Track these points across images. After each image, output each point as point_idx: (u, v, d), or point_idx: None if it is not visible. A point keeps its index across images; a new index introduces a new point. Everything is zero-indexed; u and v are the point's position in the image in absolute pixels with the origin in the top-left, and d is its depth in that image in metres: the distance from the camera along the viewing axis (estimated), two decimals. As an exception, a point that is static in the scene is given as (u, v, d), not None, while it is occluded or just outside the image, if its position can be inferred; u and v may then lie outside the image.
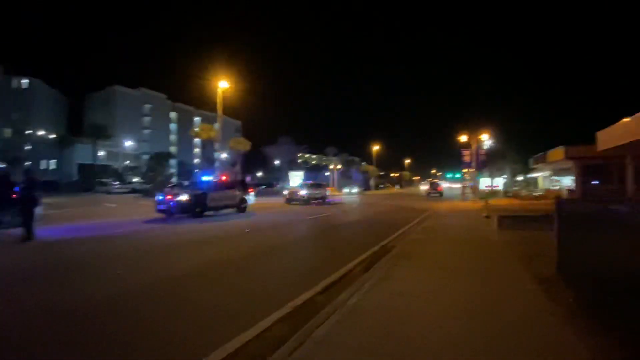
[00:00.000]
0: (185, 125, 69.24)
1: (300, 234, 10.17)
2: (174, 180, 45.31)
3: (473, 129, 28.31)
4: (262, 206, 18.86)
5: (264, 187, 41.01)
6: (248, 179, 32.25)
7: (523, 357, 2.61)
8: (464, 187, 32.33)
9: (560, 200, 4.74)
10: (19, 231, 7.80)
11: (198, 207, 13.09)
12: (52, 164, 51.30)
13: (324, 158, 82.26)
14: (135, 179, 46.17)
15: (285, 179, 44.89)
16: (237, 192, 15.63)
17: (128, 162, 56.41)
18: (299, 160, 70.08)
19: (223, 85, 25.86)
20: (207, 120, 51.70)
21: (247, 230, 10.21)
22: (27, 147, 53.16)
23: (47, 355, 2.79)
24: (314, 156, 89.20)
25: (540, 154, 28.66)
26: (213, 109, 26.95)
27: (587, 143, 17.19)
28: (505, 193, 32.01)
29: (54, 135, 50.49)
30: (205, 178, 16.18)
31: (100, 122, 50.79)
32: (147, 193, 28.31)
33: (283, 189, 30.56)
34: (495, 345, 2.77)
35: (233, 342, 2.92)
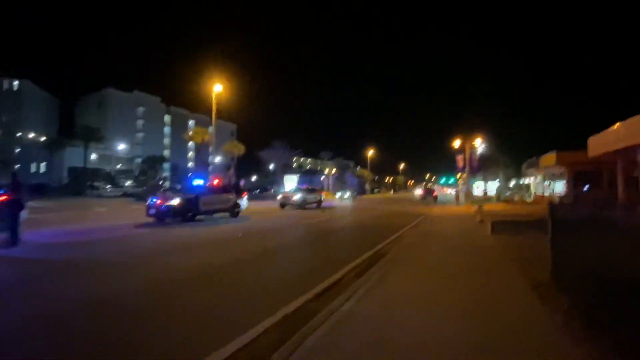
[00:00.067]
0: (179, 128, 68.73)
1: (294, 238, 10.05)
2: (166, 184, 44.89)
3: (467, 134, 28.63)
4: (255, 210, 18.70)
5: (258, 191, 40.81)
6: (242, 183, 32.07)
7: (519, 366, 2.54)
8: (457, 192, 32.54)
9: (553, 205, 4.73)
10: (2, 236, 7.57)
11: (190, 212, 12.90)
12: (42, 167, 50.50)
13: (319, 162, 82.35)
14: (127, 183, 45.65)
15: (280, 183, 44.71)
16: (230, 196, 15.46)
17: (120, 165, 55.78)
18: (294, 165, 70.01)
19: (218, 88, 25.79)
20: (202, 124, 51.44)
21: (239, 235, 10.05)
22: (17, 150, 52.31)
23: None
24: (308, 160, 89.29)
25: (533, 159, 29.00)
26: (208, 112, 26.81)
27: (579, 149, 17.41)
28: (499, 198, 32.26)
29: (44, 138, 49.77)
30: (197, 182, 15.95)
31: (92, 125, 50.17)
32: (139, 197, 27.93)
33: (277, 193, 30.42)
34: (491, 352, 2.71)
35: (219, 353, 2.81)
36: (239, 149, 37.92)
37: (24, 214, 7.78)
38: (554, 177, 27.03)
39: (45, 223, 12.00)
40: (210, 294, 4.49)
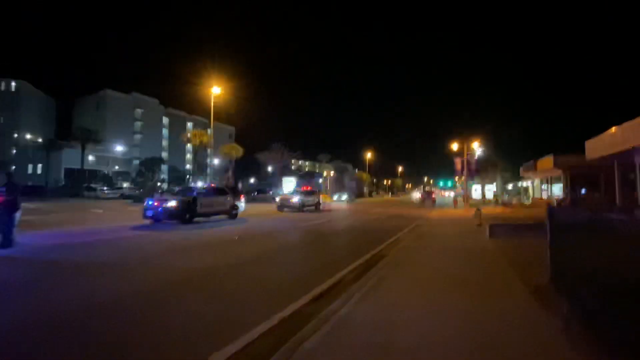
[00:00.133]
0: (177, 130, 68.56)
1: (291, 241, 9.99)
2: (164, 186, 44.69)
3: (465, 137, 28.70)
4: (254, 213, 18.62)
5: (257, 193, 40.67)
6: (240, 185, 31.95)
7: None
8: (456, 195, 32.57)
9: (551, 209, 4.70)
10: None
11: (187, 214, 12.82)
12: (39, 168, 50.22)
13: (317, 165, 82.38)
14: (125, 185, 45.44)
15: (278, 185, 44.60)
16: (228, 199, 15.40)
17: (118, 167, 55.56)
18: (292, 167, 69.93)
19: (216, 91, 25.79)
20: (200, 126, 51.38)
21: (236, 238, 9.99)
22: (13, 151, 52.02)
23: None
24: (307, 163, 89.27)
25: (530, 162, 29.09)
26: (206, 114, 26.80)
27: (577, 152, 17.48)
28: (497, 201, 32.31)
29: (41, 139, 49.53)
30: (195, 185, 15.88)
31: (90, 126, 50.00)
32: (137, 199, 27.79)
33: (276, 195, 30.32)
34: (490, 356, 2.67)
35: (213, 357, 2.75)
36: (237, 151, 37.84)
37: (18, 216, 7.69)
38: (551, 180, 27.12)
39: (40, 225, 11.89)
40: (204, 297, 4.43)
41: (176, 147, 68.80)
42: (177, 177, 52.81)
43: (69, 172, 45.85)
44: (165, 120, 74.19)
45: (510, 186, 41.46)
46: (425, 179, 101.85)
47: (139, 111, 67.98)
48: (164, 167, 56.62)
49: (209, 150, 32.01)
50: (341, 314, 3.59)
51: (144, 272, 5.73)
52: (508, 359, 2.65)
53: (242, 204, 16.38)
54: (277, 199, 23.19)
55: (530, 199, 31.45)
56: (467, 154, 27.83)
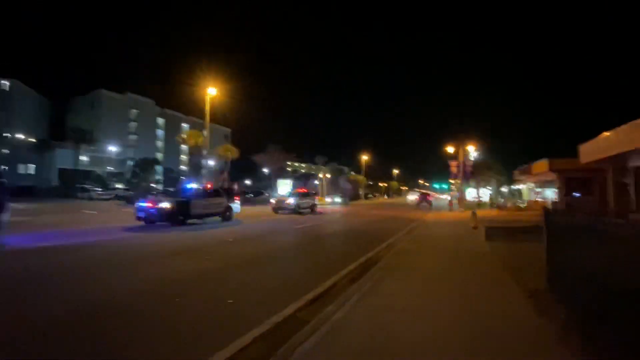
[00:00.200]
0: (172, 131, 68.15)
1: (286, 244, 9.88)
2: (159, 187, 44.31)
3: (460, 141, 28.84)
4: (249, 214, 18.47)
5: (252, 195, 40.44)
6: (235, 187, 31.75)
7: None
8: (451, 198, 32.68)
9: (548, 212, 4.67)
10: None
11: (180, 215, 12.66)
12: (31, 168, 49.52)
13: (313, 167, 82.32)
14: (119, 186, 44.93)
15: (274, 187, 44.44)
16: (223, 200, 15.25)
17: (112, 168, 55.01)
18: (288, 169, 69.79)
19: (211, 91, 25.62)
20: (196, 127, 51.05)
21: (230, 240, 9.85)
22: (5, 151, 51.23)
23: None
24: (303, 165, 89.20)
25: (525, 165, 29.28)
26: (202, 115, 26.59)
27: (571, 156, 17.59)
28: (491, 204, 32.46)
29: (34, 139, 48.89)
30: (189, 185, 15.72)
31: (84, 126, 49.48)
32: (131, 200, 27.46)
33: (272, 197, 30.16)
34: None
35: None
36: (233, 153, 37.62)
37: (5, 217, 7.50)
38: (545, 184, 27.31)
39: (29, 226, 11.66)
40: (195, 301, 4.32)
41: (171, 148, 68.33)
42: (172, 178, 52.42)
43: (62, 173, 45.20)
44: (160, 121, 73.67)
45: (505, 189, 41.71)
46: (421, 181, 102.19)
47: (134, 111, 67.43)
48: (159, 168, 56.18)
49: (204, 152, 31.75)
50: (335, 318, 3.51)
51: (134, 275, 5.59)
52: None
53: (236, 205, 16.24)
54: (273, 201, 23.06)
55: (526, 202, 31.63)
56: (463, 157, 27.95)
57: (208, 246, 8.72)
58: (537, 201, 28.35)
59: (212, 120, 25.81)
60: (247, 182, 54.63)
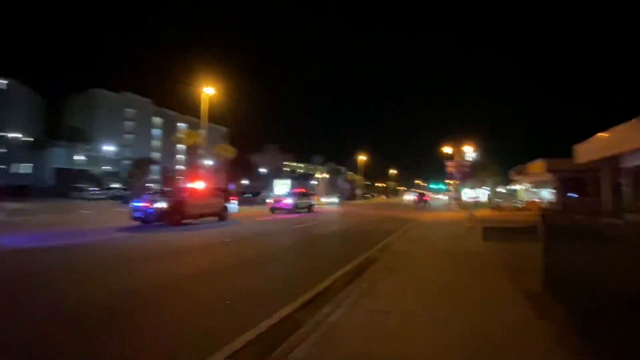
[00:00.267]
0: (169, 130, 67.82)
1: (282, 244, 9.82)
2: (156, 186, 44.01)
3: (457, 141, 28.91)
4: (245, 215, 18.39)
5: (250, 195, 40.32)
6: (232, 186, 31.65)
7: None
8: (448, 198, 32.75)
9: (545, 213, 4.65)
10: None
11: (176, 215, 12.56)
12: (27, 167, 49.08)
13: (311, 167, 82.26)
14: (115, 185, 44.64)
15: (271, 187, 44.35)
16: (219, 200, 15.16)
17: (108, 167, 54.64)
18: (286, 169, 69.70)
19: (209, 91, 25.50)
20: (193, 127, 50.81)
21: (226, 240, 9.78)
22: (1, 150, 50.74)
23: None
24: (301, 165, 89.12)
25: (521, 166, 29.38)
26: (199, 115, 26.45)
27: (567, 156, 17.64)
28: (488, 204, 32.57)
29: (29, 138, 48.46)
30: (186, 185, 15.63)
31: (80, 125, 49.17)
32: (126, 199, 27.28)
33: (269, 197, 30.09)
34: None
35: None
36: (230, 152, 37.57)
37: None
38: (541, 184, 27.41)
39: (23, 226, 11.53)
40: (186, 304, 4.25)
41: (168, 147, 67.94)
42: (169, 177, 52.12)
43: (58, 172, 44.85)
44: (157, 120, 73.27)
45: (501, 189, 41.86)
46: (419, 181, 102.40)
47: (130, 111, 67.00)
48: (155, 168, 55.86)
49: (201, 151, 31.62)
50: (331, 320, 3.46)
51: (127, 277, 5.51)
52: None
53: (233, 205, 16.16)
54: (270, 201, 22.99)
55: (524, 202, 31.74)
56: (460, 158, 28.01)
57: (203, 247, 8.65)
58: (533, 201, 28.47)
59: (210, 119, 25.67)
60: (245, 181, 54.42)
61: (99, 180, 46.18)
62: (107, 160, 56.51)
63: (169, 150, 69.17)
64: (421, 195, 39.07)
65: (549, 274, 4.25)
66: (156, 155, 66.02)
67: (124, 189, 39.75)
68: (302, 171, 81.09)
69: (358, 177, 67.48)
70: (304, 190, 26.78)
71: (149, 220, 12.13)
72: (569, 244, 3.84)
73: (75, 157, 48.11)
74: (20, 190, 35.18)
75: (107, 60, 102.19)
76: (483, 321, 3.49)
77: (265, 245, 9.19)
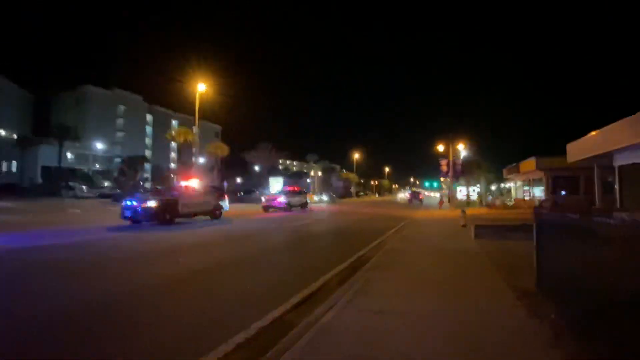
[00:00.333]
0: (161, 128, 66.93)
1: (275, 243, 9.74)
2: (148, 185, 43.52)
3: (450, 139, 29.05)
4: (239, 213, 18.24)
5: (243, 193, 40.07)
6: (225, 184, 31.40)
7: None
8: (441, 196, 32.96)
9: (538, 211, 4.64)
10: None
11: (168, 214, 12.38)
12: (13, 165, 48.04)
13: (305, 165, 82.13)
14: (106, 184, 43.99)
15: (266, 185, 44.13)
16: (212, 199, 15.00)
17: (98, 165, 53.81)
18: (280, 167, 69.43)
19: (201, 88, 25.19)
20: (185, 124, 50.21)
21: (218, 239, 9.66)
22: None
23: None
24: (295, 163, 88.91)
25: (513, 164, 29.68)
26: (192, 112, 26.14)
27: (559, 154, 17.83)
28: (481, 202, 32.84)
29: (16, 135, 47.42)
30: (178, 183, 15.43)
31: (69, 122, 48.17)
32: (117, 198, 26.89)
33: (263, 195, 29.92)
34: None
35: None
36: (223, 150, 37.21)
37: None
38: (533, 182, 27.73)
39: (10, 226, 11.25)
40: (172, 306, 4.14)
41: (160, 145, 67.18)
42: (161, 176, 51.54)
43: (46, 170, 43.95)
44: (149, 117, 72.33)
45: (494, 187, 42.24)
46: (412, 179, 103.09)
47: (121, 108, 66.00)
48: (148, 166, 55.16)
49: (194, 149, 31.27)
50: (324, 321, 3.39)
51: (114, 278, 5.38)
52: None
53: (226, 204, 16.00)
54: (263, 199, 22.86)
55: (513, 200, 32.09)
56: (453, 156, 28.18)
57: (194, 246, 8.52)
58: (523, 199, 28.80)
59: (202, 117, 25.39)
60: (238, 180, 54.10)
61: (89, 179, 45.44)
62: (98, 158, 55.65)
63: (161, 148, 68.42)
64: (415, 193, 39.32)
65: (541, 272, 4.24)
66: (148, 153, 65.24)
67: (115, 188, 39.17)
68: (296, 169, 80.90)
69: (352, 176, 67.59)
70: (298, 189, 26.69)
71: (139, 219, 11.93)
72: (558, 243, 3.83)
73: (65, 155, 47.17)
74: (7, 188, 34.41)
75: (98, 56, 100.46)
76: (476, 320, 3.46)
77: (258, 245, 9.09)
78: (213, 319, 3.70)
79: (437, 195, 39.15)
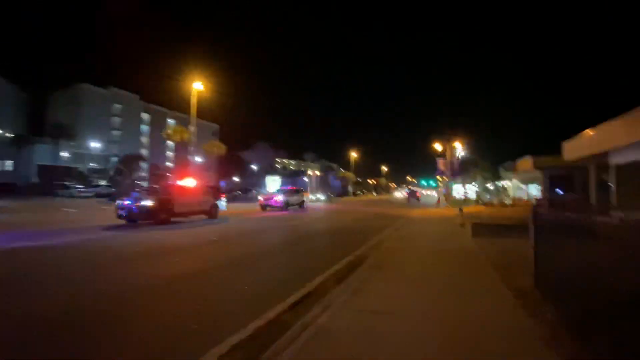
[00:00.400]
0: (158, 127, 66.61)
1: (272, 242, 9.68)
2: (143, 184, 43.24)
3: (447, 138, 29.12)
4: (235, 212, 18.16)
5: (240, 192, 39.93)
6: (222, 184, 31.28)
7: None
8: (438, 194, 33.03)
9: (536, 210, 4.62)
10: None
11: (163, 213, 12.28)
12: (8, 164, 47.61)
13: (303, 164, 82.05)
14: (102, 182, 43.66)
15: (263, 184, 44.02)
16: (209, 198, 14.91)
17: (94, 164, 53.44)
18: (277, 166, 69.32)
19: (198, 86, 25.03)
20: (182, 123, 49.95)
21: (214, 239, 9.58)
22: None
23: None
24: (292, 162, 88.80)
25: (510, 162, 29.75)
26: (188, 111, 25.98)
27: (555, 153, 17.86)
28: (477, 201, 32.92)
29: (11, 134, 46.98)
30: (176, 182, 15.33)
31: (65, 121, 47.81)
32: (113, 197, 26.68)
33: (260, 194, 29.82)
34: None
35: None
36: (220, 149, 37.08)
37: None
38: (530, 181, 27.83)
39: (4, 225, 11.11)
40: (171, 306, 4.10)
41: (157, 144, 66.83)
42: (157, 175, 51.24)
43: (42, 169, 43.57)
44: (145, 116, 71.84)
45: (490, 186, 42.35)
46: (409, 178, 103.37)
47: (117, 106, 65.52)
48: (144, 165, 54.83)
49: (190, 148, 31.11)
50: (320, 322, 3.35)
51: (107, 278, 5.30)
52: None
53: (223, 203, 15.91)
54: (261, 198, 22.78)
55: (511, 198, 32.20)
56: (449, 155, 28.24)
57: (190, 246, 8.45)
58: (519, 198, 28.92)
59: (199, 115, 25.24)
60: (235, 179, 53.93)
61: (85, 178, 45.09)
62: (94, 157, 55.27)
63: (158, 147, 68.05)
64: (413, 192, 39.44)
65: (538, 271, 4.22)
66: (145, 152, 64.86)
67: (111, 187, 38.89)
68: (293, 168, 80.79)
69: (350, 175, 67.62)
70: (295, 188, 26.62)
71: (135, 219, 11.83)
72: (555, 242, 3.81)
73: (60, 154, 46.85)
74: (2, 187, 34.09)
75: (94, 55, 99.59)
76: (474, 320, 3.44)
77: (255, 244, 9.04)
78: (207, 319, 3.64)
79: (434, 193, 39.30)
